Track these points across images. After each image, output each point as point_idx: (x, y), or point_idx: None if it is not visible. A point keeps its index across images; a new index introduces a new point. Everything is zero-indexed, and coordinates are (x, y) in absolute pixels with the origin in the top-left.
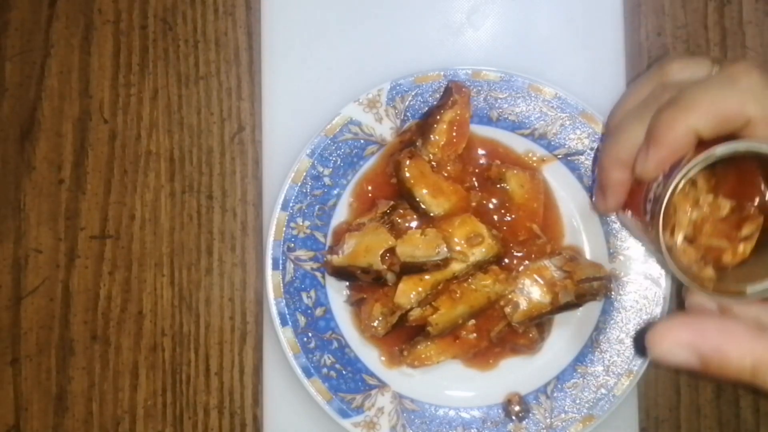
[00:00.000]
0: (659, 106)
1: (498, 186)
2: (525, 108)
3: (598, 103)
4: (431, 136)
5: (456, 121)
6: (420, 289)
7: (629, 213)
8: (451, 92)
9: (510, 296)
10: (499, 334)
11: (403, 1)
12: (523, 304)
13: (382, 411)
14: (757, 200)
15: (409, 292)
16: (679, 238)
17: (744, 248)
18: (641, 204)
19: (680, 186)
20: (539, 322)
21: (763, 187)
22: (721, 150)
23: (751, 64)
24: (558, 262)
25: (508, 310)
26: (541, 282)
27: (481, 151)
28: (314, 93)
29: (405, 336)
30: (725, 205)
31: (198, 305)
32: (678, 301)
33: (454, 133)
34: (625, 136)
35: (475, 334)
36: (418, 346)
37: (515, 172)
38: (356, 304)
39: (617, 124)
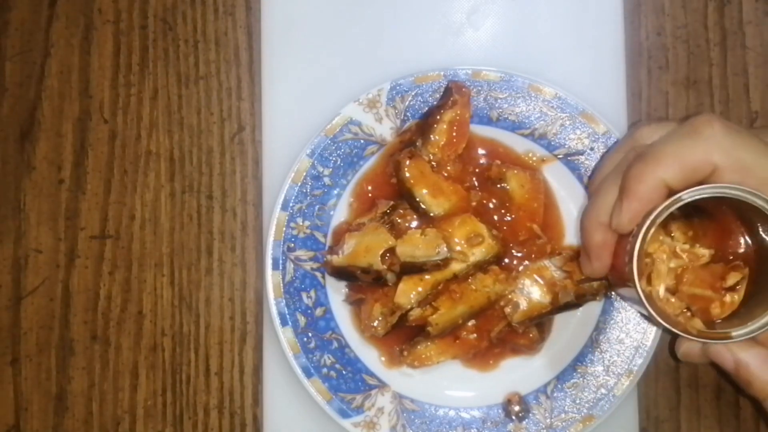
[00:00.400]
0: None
1: (498, 186)
2: (525, 108)
3: (598, 103)
4: (431, 136)
5: (456, 121)
6: (420, 289)
7: (614, 277)
8: (451, 92)
9: (510, 296)
10: (499, 334)
11: (403, 1)
12: (523, 304)
13: (382, 411)
14: (740, 250)
15: (409, 292)
16: (661, 289)
17: (731, 299)
18: (624, 266)
19: (651, 231)
20: (539, 322)
21: (743, 237)
22: (687, 195)
23: (711, 115)
24: (558, 262)
25: (508, 310)
26: (541, 282)
27: (481, 151)
28: (314, 93)
29: (405, 336)
30: (704, 253)
31: (198, 305)
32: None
33: (454, 133)
34: (602, 199)
35: (475, 335)
36: (418, 346)
37: (515, 171)
38: (356, 304)
39: (595, 189)
